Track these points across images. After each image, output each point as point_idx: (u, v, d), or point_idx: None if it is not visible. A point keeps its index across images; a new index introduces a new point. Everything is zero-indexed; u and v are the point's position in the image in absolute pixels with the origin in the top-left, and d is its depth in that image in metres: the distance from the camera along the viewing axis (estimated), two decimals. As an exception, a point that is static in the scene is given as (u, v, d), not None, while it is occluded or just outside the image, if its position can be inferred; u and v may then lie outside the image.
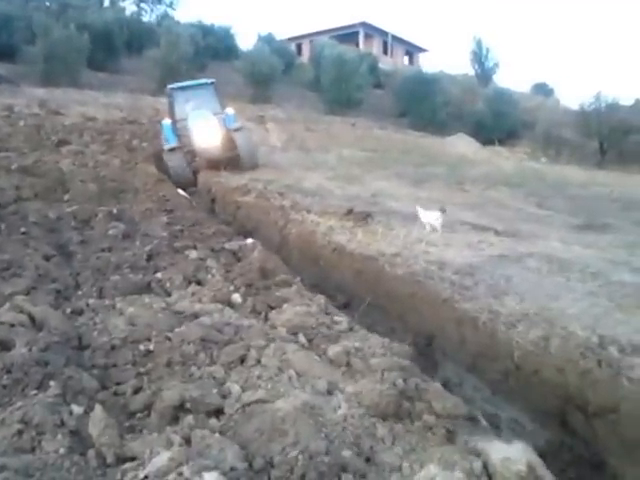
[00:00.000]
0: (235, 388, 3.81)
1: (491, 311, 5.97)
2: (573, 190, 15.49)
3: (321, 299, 5.50)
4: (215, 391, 3.73)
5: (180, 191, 12.20)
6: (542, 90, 44.26)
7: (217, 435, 3.34)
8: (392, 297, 6.94)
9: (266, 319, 5.16)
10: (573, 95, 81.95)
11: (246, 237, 8.32)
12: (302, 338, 4.75)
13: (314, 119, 25.10)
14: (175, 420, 3.54)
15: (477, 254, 8.05)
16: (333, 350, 4.43)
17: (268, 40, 36.72)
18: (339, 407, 3.69)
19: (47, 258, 6.05)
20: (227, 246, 7.12)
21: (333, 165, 16.49)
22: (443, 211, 8.93)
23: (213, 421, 3.52)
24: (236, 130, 15.03)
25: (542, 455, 4.51)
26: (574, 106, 31.87)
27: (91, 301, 5.16)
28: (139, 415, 3.64)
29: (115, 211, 8.56)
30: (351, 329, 4.99)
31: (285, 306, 5.26)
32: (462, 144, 24.08)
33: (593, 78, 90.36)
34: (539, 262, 7.72)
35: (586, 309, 5.96)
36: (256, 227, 10.02)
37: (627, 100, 29.21)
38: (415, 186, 14.36)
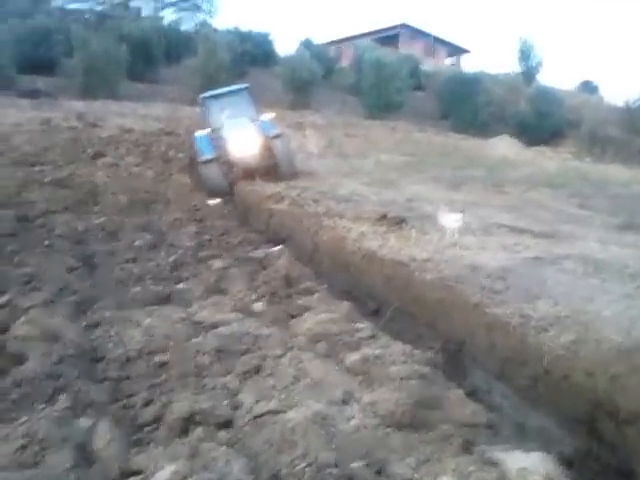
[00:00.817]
0: (248, 399, 3.75)
1: (522, 315, 5.76)
2: (615, 189, 15.00)
3: (345, 306, 5.39)
4: (226, 402, 3.68)
5: (210, 201, 12.07)
6: (587, 88, 43.11)
7: (224, 448, 3.28)
8: (421, 303, 6.76)
9: (287, 328, 5.07)
10: (618, 92, 79.71)
11: (277, 245, 8.26)
12: (322, 346, 4.65)
13: (353, 124, 24.92)
14: (184, 432, 3.50)
15: (512, 257, 7.81)
16: (351, 358, 4.34)
17: (307, 45, 36.37)
18: (353, 417, 3.59)
19: (70, 270, 6.11)
20: (253, 254, 7.07)
21: (370, 170, 16.30)
22: (462, 213, 8.64)
23: (222, 433, 3.47)
24: (275, 137, 14.22)
25: (570, 463, 4.36)
26: (619, 103, 31.12)
27: (109, 313, 5.16)
28: (148, 428, 3.60)
29: (143, 222, 8.59)
30: (373, 337, 4.88)
31: (307, 314, 5.17)
32: (504, 145, 23.54)
33: (638, 74, 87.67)
34: (575, 264, 7.44)
35: (622, 312, 5.68)
36: (289, 235, 9.93)
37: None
38: (452, 189, 14.08)
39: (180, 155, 15.34)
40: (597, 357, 4.90)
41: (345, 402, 3.79)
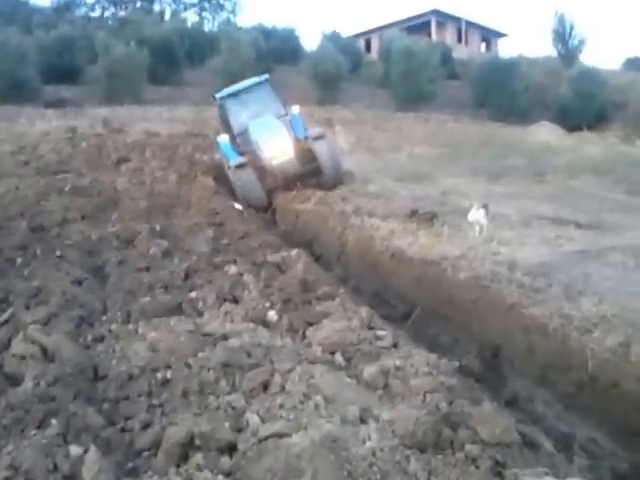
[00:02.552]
0: (254, 419, 3.40)
1: (562, 315, 5.32)
2: (667, 174, 14.20)
3: (365, 312, 4.99)
4: (228, 425, 3.32)
5: (237, 205, 11.39)
6: (635, 65, 41.14)
7: (220, 477, 2.95)
8: (455, 304, 6.36)
9: (303, 337, 4.71)
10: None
11: (304, 248, 7.91)
12: (339, 358, 4.28)
13: (384, 117, 24.42)
14: (184, 459, 3.17)
15: (554, 251, 7.40)
16: (369, 371, 3.94)
17: (334, 38, 35.71)
18: (368, 438, 3.20)
19: (79, 282, 5.85)
20: (270, 259, 6.70)
21: (402, 164, 15.85)
22: (485, 207, 8.12)
23: (224, 459, 3.12)
24: (317, 139, 12.43)
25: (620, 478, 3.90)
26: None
27: (114, 327, 4.89)
28: (145, 454, 3.29)
29: (159, 228, 8.31)
30: (395, 345, 4.47)
31: (324, 322, 4.80)
32: (544, 132, 22.72)
33: None
34: (623, 256, 6.99)
35: None
36: (316, 235, 9.62)
37: None
38: (490, 181, 13.57)
39: (205, 157, 14.96)
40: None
41: (360, 421, 3.40)
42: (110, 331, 4.80)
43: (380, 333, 4.62)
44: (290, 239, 9.27)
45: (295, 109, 13.15)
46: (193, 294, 5.56)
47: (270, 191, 12.37)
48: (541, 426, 4.19)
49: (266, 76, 14.03)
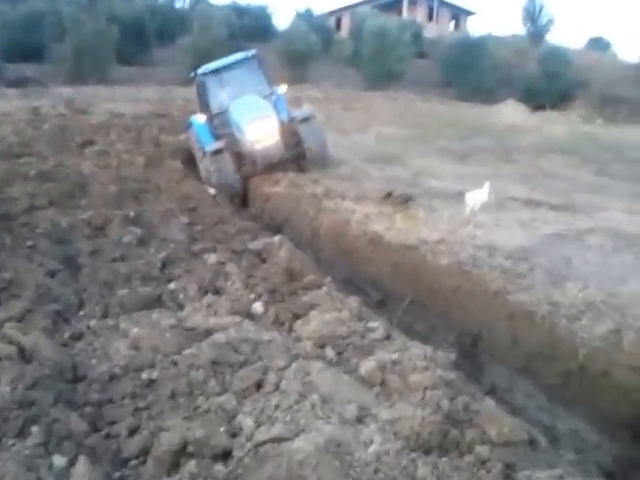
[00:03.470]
0: (247, 422, 3.23)
1: (550, 302, 5.24)
2: (633, 153, 14.41)
3: (354, 302, 4.85)
4: (223, 429, 3.14)
5: (211, 190, 10.76)
6: (598, 45, 41.45)
7: (216, 487, 2.80)
8: (434, 291, 6.23)
9: (290, 330, 4.55)
10: (633, 49, 77.21)
11: (275, 232, 7.71)
12: (330, 352, 4.13)
13: (353, 97, 24.16)
14: (175, 467, 2.99)
15: (531, 234, 7.32)
16: (365, 366, 3.80)
17: (306, 16, 35.56)
18: (371, 441, 3.07)
19: (52, 274, 5.53)
20: (251, 246, 6.50)
21: (372, 145, 15.69)
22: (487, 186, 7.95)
23: (219, 467, 2.95)
24: (303, 121, 11.44)
25: (610, 474, 3.85)
26: (633, 60, 29.96)
27: (93, 322, 4.65)
28: (134, 462, 3.10)
29: (132, 214, 7.98)
30: (388, 337, 4.35)
31: (312, 313, 4.64)
32: (510, 112, 22.80)
33: None
34: (602, 238, 6.94)
35: None
36: (286, 219, 9.39)
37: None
38: (460, 161, 13.55)
39: (171, 138, 14.49)
40: (642, 350, 4.40)
41: (359, 421, 3.27)
42: (88, 327, 4.57)
43: (371, 324, 4.49)
44: (260, 223, 9.06)
45: (282, 88, 12.12)
46: (172, 285, 5.33)
47: (246, 178, 11.53)
48: (521, 418, 4.12)
49: (253, 51, 12.68)
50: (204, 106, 12.11)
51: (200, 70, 12.17)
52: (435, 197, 9.13)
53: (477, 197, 7.78)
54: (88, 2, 29.32)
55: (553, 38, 39.35)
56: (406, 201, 8.68)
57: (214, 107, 12.01)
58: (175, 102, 18.45)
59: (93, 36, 24.14)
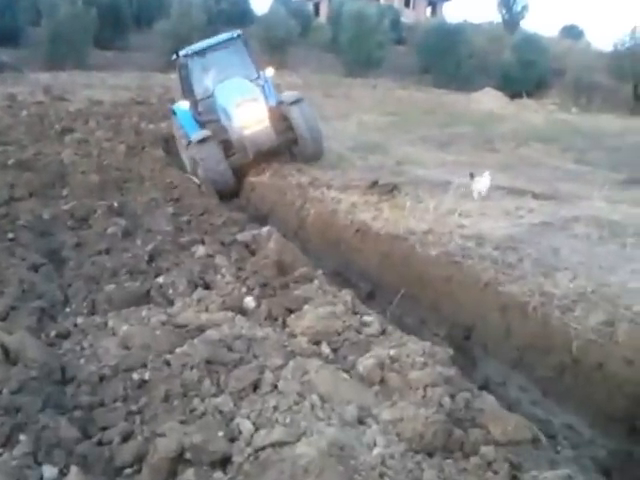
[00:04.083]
0: (246, 426, 3.12)
1: (542, 293, 5.20)
2: (610, 141, 14.57)
3: (347, 296, 4.76)
4: (221, 433, 3.03)
5: (196, 179, 10.24)
6: (571, 33, 41.96)
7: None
8: (424, 283, 6.18)
9: (284, 326, 4.45)
10: (605, 37, 78.14)
11: (262, 223, 7.59)
12: (326, 348, 4.05)
13: (333, 83, 24.03)
14: (172, 475, 2.88)
15: (517, 223, 7.31)
16: (364, 364, 3.72)
17: (285, 2, 35.27)
18: (374, 444, 2.99)
19: (35, 268, 5.34)
20: (239, 237, 6.36)
21: (354, 133, 15.57)
22: (472, 177, 8.48)
23: (219, 474, 2.85)
24: (293, 104, 10.63)
25: (605, 470, 3.83)
26: (607, 48, 30.25)
27: (80, 320, 4.48)
28: (128, 471, 2.96)
29: (116, 205, 7.75)
30: (383, 332, 4.27)
31: (306, 308, 4.54)
32: (488, 99, 22.91)
33: (627, 17, 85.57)
34: (587, 227, 6.96)
35: None
36: (272, 209, 9.28)
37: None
38: (441, 150, 13.55)
39: (152, 126, 14.23)
40: (636, 341, 4.37)
41: (362, 422, 3.19)
42: (75, 325, 4.40)
43: (366, 319, 4.41)
44: (246, 213, 8.91)
45: (269, 72, 11.33)
46: (161, 279, 5.16)
47: (237, 169, 10.65)
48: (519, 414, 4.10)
49: (238, 31, 11.87)
50: (187, 91, 11.35)
51: (182, 52, 11.35)
52: (420, 186, 9.10)
53: (484, 182, 8.25)
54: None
55: (527, 25, 39.62)
56: (392, 190, 8.63)
57: (198, 92, 11.26)
58: (154, 89, 18.16)
59: (70, 20, 23.60)
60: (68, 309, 4.77)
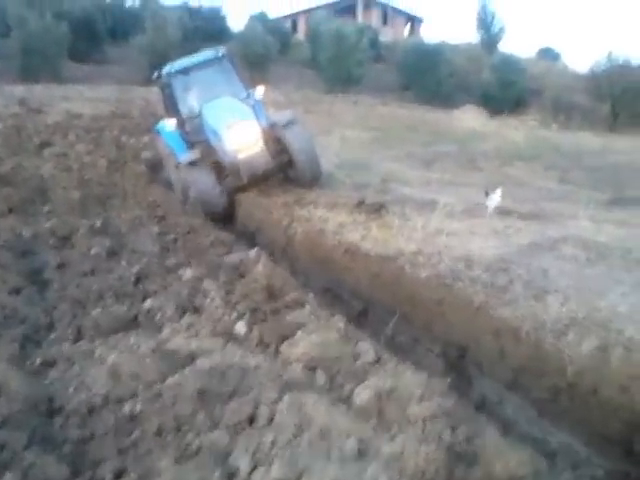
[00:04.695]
0: (243, 463, 3.01)
1: (534, 318, 5.16)
2: (591, 160, 14.71)
3: (340, 322, 4.68)
4: (217, 473, 2.92)
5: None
6: (548, 55, 42.78)
7: None
8: (416, 303, 6.13)
9: (277, 352, 4.34)
10: (581, 59, 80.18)
11: (249, 241, 7.47)
12: (321, 377, 3.95)
13: (314, 99, 23.95)
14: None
15: (505, 243, 7.27)
16: (361, 396, 3.63)
17: (261, 19, 35.25)
18: (378, 482, 2.90)
19: (17, 291, 5.18)
20: (227, 260, 6.23)
21: (337, 149, 15.51)
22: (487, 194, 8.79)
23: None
24: (287, 126, 10.10)
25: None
26: (582, 70, 30.87)
27: (66, 346, 4.33)
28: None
29: (99, 224, 7.56)
30: (379, 360, 4.17)
31: (299, 334, 4.44)
32: (470, 117, 23.09)
33: (602, 40, 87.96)
34: (575, 248, 6.92)
35: (639, 305, 5.12)
36: (259, 228, 9.17)
37: (636, 60, 27.88)
38: (426, 167, 13.52)
39: (133, 140, 13.99)
40: (630, 368, 4.34)
41: (362, 457, 3.10)
42: (61, 352, 4.23)
43: (361, 346, 4.32)
44: (232, 232, 8.80)
45: (259, 91, 10.62)
46: (148, 303, 5.03)
47: (231, 194, 10.11)
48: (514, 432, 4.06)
49: (223, 49, 11.24)
50: (172, 110, 10.69)
51: (165, 70, 10.73)
52: (407, 204, 9.04)
53: (495, 199, 8.48)
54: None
55: (504, 47, 40.15)
56: (379, 209, 8.57)
57: (184, 111, 10.63)
58: (134, 102, 17.81)
59: (42, 32, 23.23)
60: (53, 335, 4.61)
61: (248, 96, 10.61)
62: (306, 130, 10.67)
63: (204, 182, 9.61)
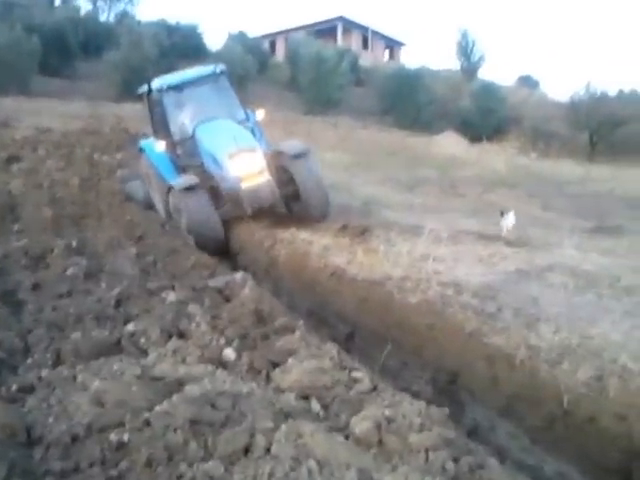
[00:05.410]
0: (240, 496, 2.82)
1: (528, 346, 5.11)
2: (572, 188, 15.00)
3: (333, 349, 4.52)
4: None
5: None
6: (527, 83, 43.71)
7: None
8: (405, 328, 6.06)
9: (268, 380, 4.17)
10: (560, 88, 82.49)
11: (232, 264, 7.29)
12: (316, 405, 3.78)
13: (294, 120, 24.00)
14: None
15: (492, 270, 7.27)
16: (360, 426, 3.46)
17: (240, 38, 35.48)
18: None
19: (-11, 313, 4.96)
20: (211, 283, 6.02)
21: (317, 172, 15.57)
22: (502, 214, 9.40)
23: None
24: (296, 158, 9.26)
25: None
26: (561, 99, 31.55)
27: (45, 372, 4.06)
28: None
29: (74, 244, 7.27)
30: (375, 388, 4.02)
31: (290, 361, 4.28)
32: (450, 143, 23.37)
33: (581, 67, 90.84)
34: (562, 276, 6.95)
35: (630, 334, 5.17)
36: (241, 248, 9.01)
37: (613, 91, 28.65)
38: (408, 191, 13.60)
39: (106, 157, 13.57)
40: (627, 397, 4.28)
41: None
42: (40, 378, 3.98)
43: (356, 374, 4.17)
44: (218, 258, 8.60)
45: (259, 114, 10.01)
46: (131, 327, 4.82)
47: (228, 222, 9.36)
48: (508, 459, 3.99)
49: (222, 67, 10.30)
50: (162, 129, 9.97)
51: (156, 85, 9.93)
52: (391, 229, 8.98)
53: (510, 219, 9.06)
54: (3, 9, 28.08)
55: (484, 74, 40.87)
56: (363, 233, 8.51)
57: (175, 132, 9.80)
58: (106, 118, 17.47)
59: (10, 45, 22.99)
60: (30, 360, 4.34)
61: (247, 119, 10.02)
62: (317, 163, 9.91)
63: (201, 211, 8.85)
